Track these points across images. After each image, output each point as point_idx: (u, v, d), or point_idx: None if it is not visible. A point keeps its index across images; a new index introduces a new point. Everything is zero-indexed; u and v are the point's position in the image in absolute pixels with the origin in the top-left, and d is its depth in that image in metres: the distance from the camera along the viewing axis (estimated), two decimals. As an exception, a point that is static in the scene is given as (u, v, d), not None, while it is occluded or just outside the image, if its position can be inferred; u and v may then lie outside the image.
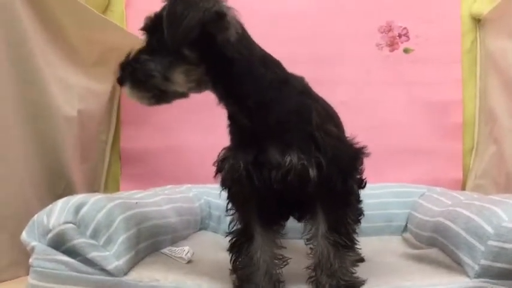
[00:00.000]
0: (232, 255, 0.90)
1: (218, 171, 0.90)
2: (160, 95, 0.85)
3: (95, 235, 0.86)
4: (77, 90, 1.42)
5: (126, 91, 0.86)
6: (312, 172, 0.82)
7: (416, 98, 1.71)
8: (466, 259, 0.83)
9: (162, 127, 1.70)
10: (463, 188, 1.66)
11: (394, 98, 1.71)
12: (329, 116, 0.93)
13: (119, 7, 1.74)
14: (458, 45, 1.71)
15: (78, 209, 0.87)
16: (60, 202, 0.90)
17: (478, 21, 1.70)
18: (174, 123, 1.70)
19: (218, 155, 0.92)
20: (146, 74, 0.82)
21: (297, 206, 0.97)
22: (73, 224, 0.85)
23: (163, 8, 0.81)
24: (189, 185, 1.48)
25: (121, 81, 0.85)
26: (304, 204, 0.93)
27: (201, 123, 1.68)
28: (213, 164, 0.94)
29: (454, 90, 1.71)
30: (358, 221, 1.03)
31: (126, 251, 0.89)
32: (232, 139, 0.90)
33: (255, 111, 0.84)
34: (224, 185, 0.89)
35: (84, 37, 1.43)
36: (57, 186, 1.34)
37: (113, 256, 0.86)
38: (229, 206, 0.92)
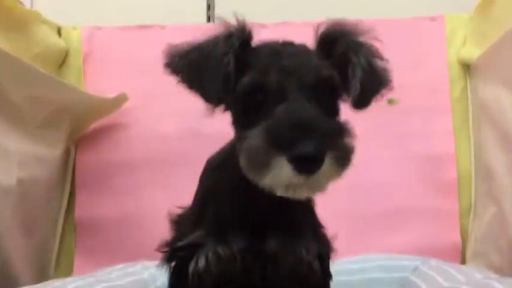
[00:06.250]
0: None
1: (181, 264, 0.73)
2: None
3: None
4: (17, 156, 1.24)
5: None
6: (317, 266, 0.74)
7: (405, 151, 1.53)
8: None
9: (123, 191, 1.51)
10: (463, 254, 1.46)
11: (380, 153, 1.52)
12: None
13: (76, 61, 1.59)
14: (447, 93, 1.55)
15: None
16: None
17: (467, 67, 1.56)
18: (135, 187, 1.51)
19: (174, 238, 0.78)
20: None
21: None
22: None
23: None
24: (147, 263, 1.28)
25: None
26: None
27: (166, 185, 1.50)
28: (166, 251, 0.78)
29: (446, 142, 1.53)
30: None
31: None
32: (213, 215, 0.73)
33: None
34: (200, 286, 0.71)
35: (27, 96, 1.27)
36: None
37: None
38: None
